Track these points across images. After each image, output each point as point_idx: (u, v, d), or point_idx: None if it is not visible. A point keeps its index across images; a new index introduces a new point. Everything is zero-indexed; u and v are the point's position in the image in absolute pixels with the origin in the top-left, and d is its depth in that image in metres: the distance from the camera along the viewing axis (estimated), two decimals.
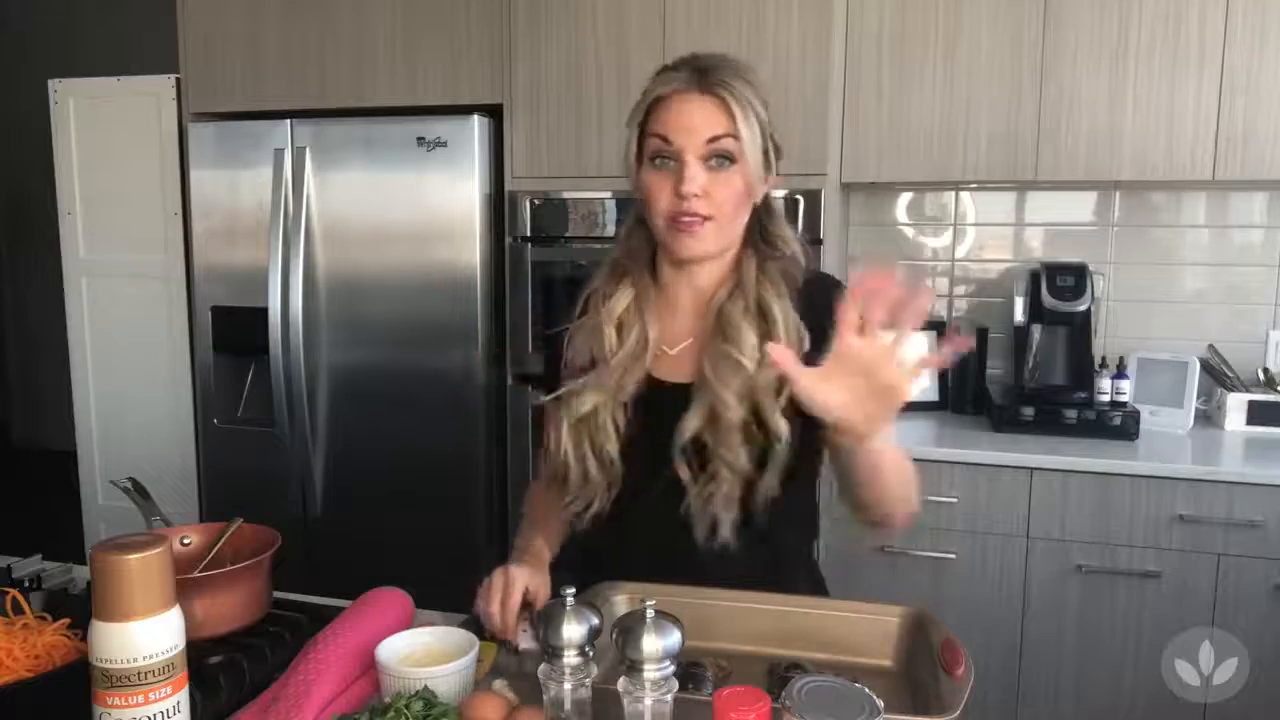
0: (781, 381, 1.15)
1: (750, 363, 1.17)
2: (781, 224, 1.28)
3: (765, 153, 1.19)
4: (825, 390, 0.95)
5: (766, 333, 1.19)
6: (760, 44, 2.30)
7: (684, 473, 1.18)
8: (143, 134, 2.92)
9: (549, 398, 1.26)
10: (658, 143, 1.17)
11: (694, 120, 1.15)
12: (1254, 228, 2.55)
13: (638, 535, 1.22)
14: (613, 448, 1.20)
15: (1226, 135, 2.22)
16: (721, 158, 1.16)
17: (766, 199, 1.26)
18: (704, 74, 1.17)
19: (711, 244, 1.19)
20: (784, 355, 0.96)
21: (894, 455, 1.07)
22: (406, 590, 1.18)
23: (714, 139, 1.15)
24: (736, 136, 1.15)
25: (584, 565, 1.24)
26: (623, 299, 1.24)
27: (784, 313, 1.19)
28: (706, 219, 1.16)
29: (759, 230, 1.26)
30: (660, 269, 1.27)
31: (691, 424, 1.17)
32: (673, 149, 1.16)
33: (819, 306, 1.18)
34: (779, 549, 1.26)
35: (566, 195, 2.48)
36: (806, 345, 1.18)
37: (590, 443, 1.21)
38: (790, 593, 1.17)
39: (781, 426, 1.16)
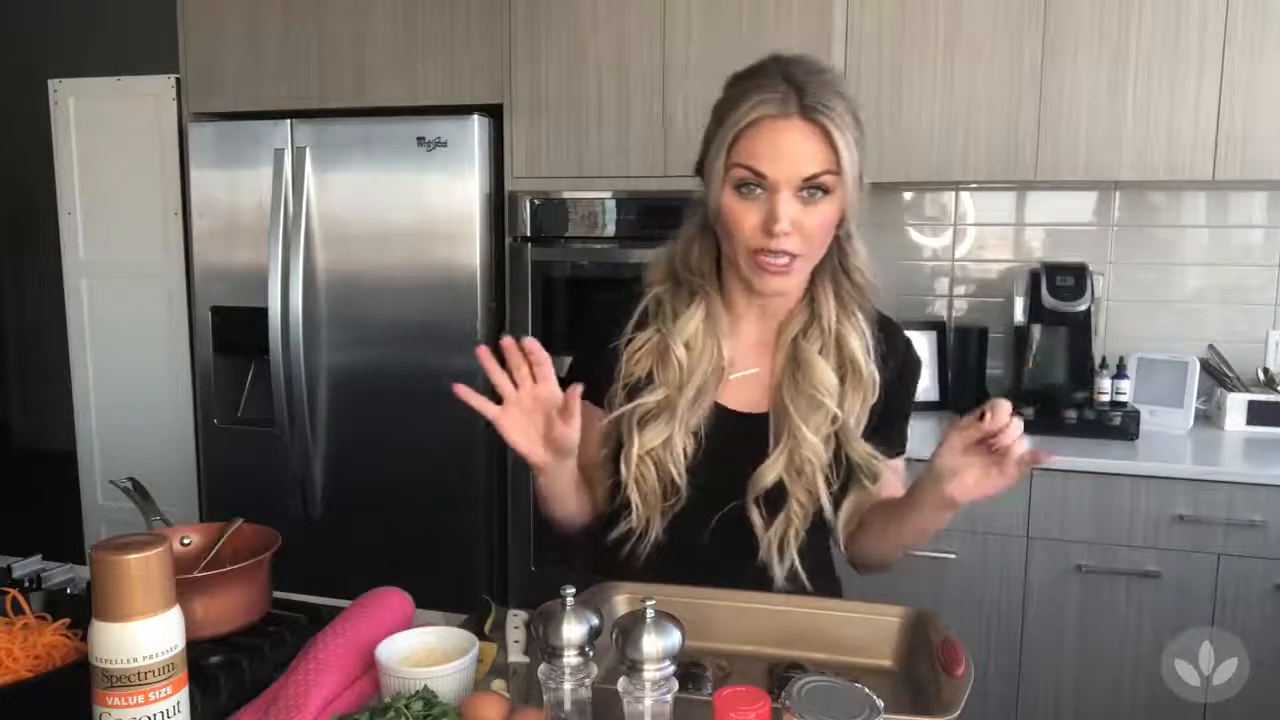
0: (861, 413, 1.16)
1: (832, 402, 1.14)
2: (858, 248, 1.20)
3: (862, 177, 1.11)
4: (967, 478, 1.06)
5: (845, 373, 1.16)
6: (760, 44, 2.29)
7: (757, 518, 1.16)
8: (143, 134, 2.92)
9: (611, 416, 1.19)
10: (746, 172, 1.08)
11: (793, 152, 1.06)
12: (1254, 228, 2.55)
13: (698, 566, 1.15)
14: (679, 476, 1.16)
15: (1226, 135, 2.22)
16: (816, 189, 1.08)
17: (845, 219, 1.18)
18: (802, 93, 1.06)
19: (798, 279, 1.14)
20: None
21: (939, 525, 1.13)
22: (406, 590, 1.18)
23: (813, 175, 1.07)
24: (838, 171, 1.07)
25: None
26: (693, 319, 1.17)
27: (865, 356, 1.16)
28: (798, 256, 1.10)
29: (837, 254, 1.19)
30: (728, 288, 1.20)
31: (773, 471, 1.14)
32: (766, 181, 1.07)
33: (890, 359, 1.21)
34: (827, 568, 1.26)
35: (566, 195, 2.48)
36: (876, 392, 1.17)
37: (657, 469, 1.16)
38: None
39: (878, 467, 1.17)
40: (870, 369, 1.17)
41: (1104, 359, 2.45)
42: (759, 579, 1.17)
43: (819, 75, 1.09)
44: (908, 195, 2.78)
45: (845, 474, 1.18)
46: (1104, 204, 2.64)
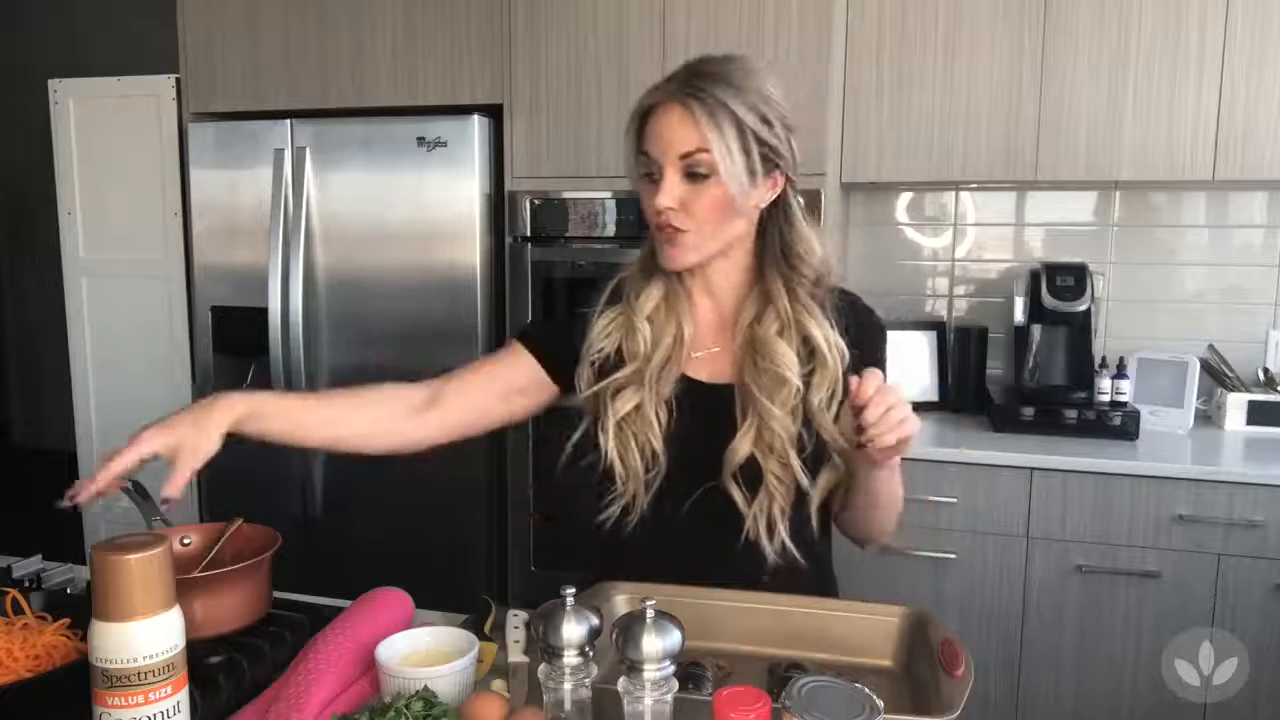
0: (832, 394, 1.18)
1: (795, 376, 1.17)
2: (803, 234, 1.23)
3: (751, 159, 1.14)
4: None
5: (807, 353, 1.19)
6: (760, 44, 2.30)
7: (738, 495, 1.18)
8: (143, 134, 2.92)
9: (588, 391, 1.24)
10: (643, 156, 1.17)
11: (668, 133, 1.14)
12: (1254, 228, 2.55)
13: (686, 543, 1.20)
14: (658, 443, 1.20)
15: (1226, 135, 2.22)
16: (698, 170, 1.13)
17: (784, 204, 1.22)
18: (686, 81, 1.14)
19: (693, 255, 1.18)
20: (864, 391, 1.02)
21: (892, 488, 1.18)
22: (406, 590, 1.18)
23: (686, 154, 1.13)
24: (707, 150, 1.12)
25: (609, 570, 1.19)
26: (653, 296, 1.24)
27: (825, 337, 1.19)
28: (684, 231, 1.16)
29: (779, 243, 1.22)
30: (683, 274, 1.25)
31: (743, 447, 1.17)
32: (653, 162, 1.15)
33: (851, 327, 1.22)
34: (821, 556, 1.28)
35: (566, 195, 2.48)
36: (848, 360, 1.19)
37: (635, 439, 1.20)
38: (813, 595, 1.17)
39: (840, 440, 1.18)
40: (835, 348, 1.19)
41: (1104, 359, 2.46)
42: (751, 556, 1.18)
43: (715, 67, 1.15)
44: (908, 195, 2.78)
45: (817, 451, 1.20)
46: (1104, 204, 2.64)
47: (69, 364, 3.09)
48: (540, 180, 2.50)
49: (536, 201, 2.49)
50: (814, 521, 1.22)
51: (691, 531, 1.20)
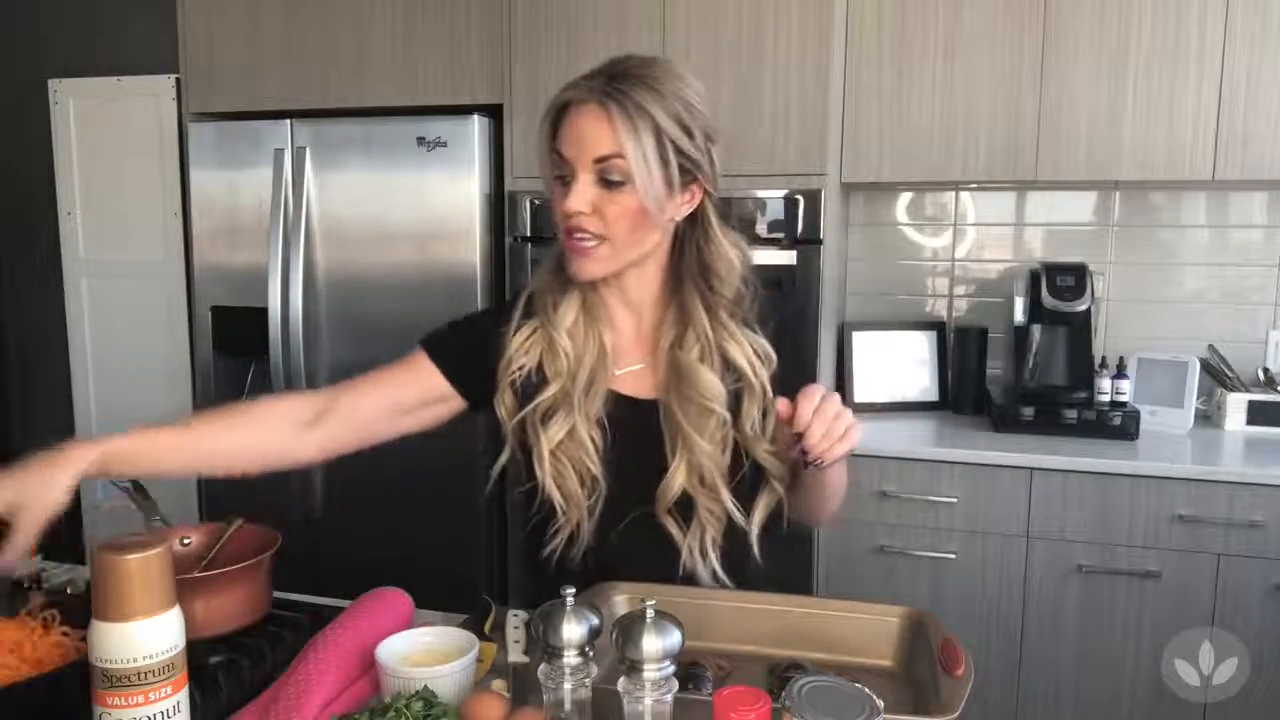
0: (764, 414, 1.17)
1: (721, 408, 1.15)
2: (721, 250, 1.17)
3: (669, 170, 1.09)
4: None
5: (733, 377, 1.17)
6: (760, 44, 2.30)
7: (673, 527, 1.17)
8: (143, 134, 2.93)
9: (514, 420, 1.20)
10: (556, 156, 1.12)
11: (584, 134, 1.09)
12: (1254, 228, 2.55)
13: (624, 566, 1.16)
14: (595, 466, 1.16)
15: (1226, 135, 2.22)
16: (613, 175, 1.08)
17: (702, 218, 1.17)
18: (606, 80, 1.09)
19: (605, 266, 1.14)
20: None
21: (839, 478, 1.18)
22: (406, 590, 1.18)
23: (601, 158, 1.08)
24: (622, 156, 1.07)
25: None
26: (572, 308, 1.19)
27: (749, 361, 1.17)
28: (600, 239, 1.11)
29: (696, 260, 1.18)
30: (597, 285, 1.20)
31: (675, 482, 1.15)
32: (567, 164, 1.10)
33: (783, 335, 1.22)
34: (758, 580, 1.25)
35: None
36: (773, 367, 1.18)
37: (572, 465, 1.16)
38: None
39: (774, 465, 1.18)
40: (763, 365, 1.17)
41: (1104, 359, 2.45)
42: (690, 582, 1.18)
43: (637, 68, 1.10)
44: (908, 195, 2.78)
45: (754, 478, 1.19)
46: (1104, 204, 2.64)
47: (69, 364, 3.09)
48: (540, 180, 2.49)
49: (536, 201, 2.49)
50: (755, 550, 1.20)
51: (633, 557, 1.17)
